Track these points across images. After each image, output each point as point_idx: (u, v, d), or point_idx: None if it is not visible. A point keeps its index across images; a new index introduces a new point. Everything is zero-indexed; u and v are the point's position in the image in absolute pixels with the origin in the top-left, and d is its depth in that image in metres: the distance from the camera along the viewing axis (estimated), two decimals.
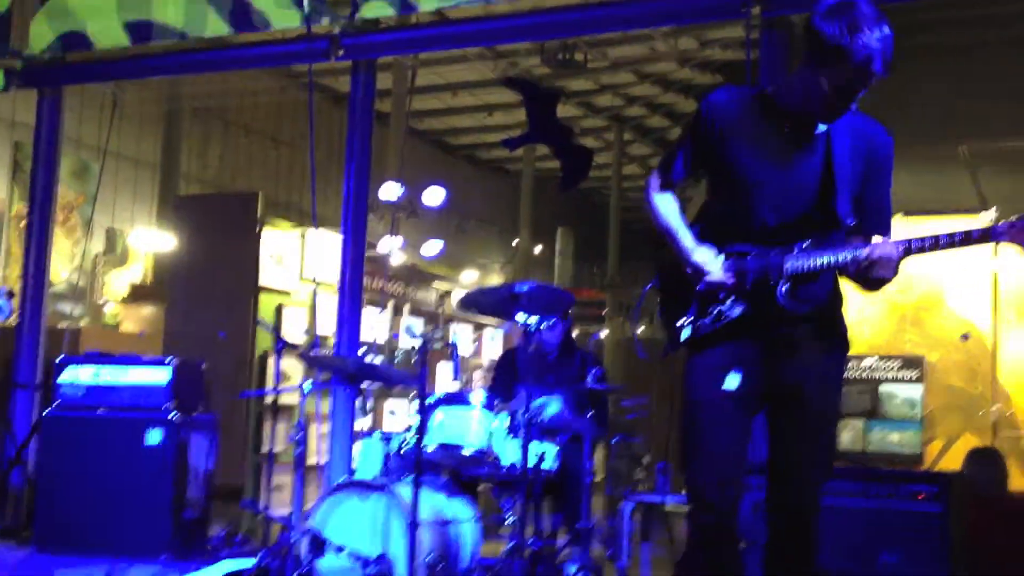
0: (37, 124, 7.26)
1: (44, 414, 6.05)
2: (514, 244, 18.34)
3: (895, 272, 2.93)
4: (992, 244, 2.94)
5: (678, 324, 3.16)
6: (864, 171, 3.04)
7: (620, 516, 5.04)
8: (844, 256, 2.95)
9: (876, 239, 2.95)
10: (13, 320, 6.91)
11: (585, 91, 16.19)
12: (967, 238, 2.84)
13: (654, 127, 18.04)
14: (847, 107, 2.93)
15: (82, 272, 14.39)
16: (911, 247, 2.89)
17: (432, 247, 8.52)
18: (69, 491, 5.60)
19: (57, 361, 6.06)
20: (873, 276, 2.94)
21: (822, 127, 3.01)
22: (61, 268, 13.82)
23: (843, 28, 2.78)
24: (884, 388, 8.02)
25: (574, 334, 5.75)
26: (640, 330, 4.43)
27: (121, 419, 5.62)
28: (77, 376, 5.78)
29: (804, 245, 3.01)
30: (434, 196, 7.11)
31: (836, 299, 3.16)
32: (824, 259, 2.97)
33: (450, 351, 4.89)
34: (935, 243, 2.87)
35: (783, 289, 3.01)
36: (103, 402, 5.71)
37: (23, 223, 8.49)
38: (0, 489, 6.42)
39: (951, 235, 2.85)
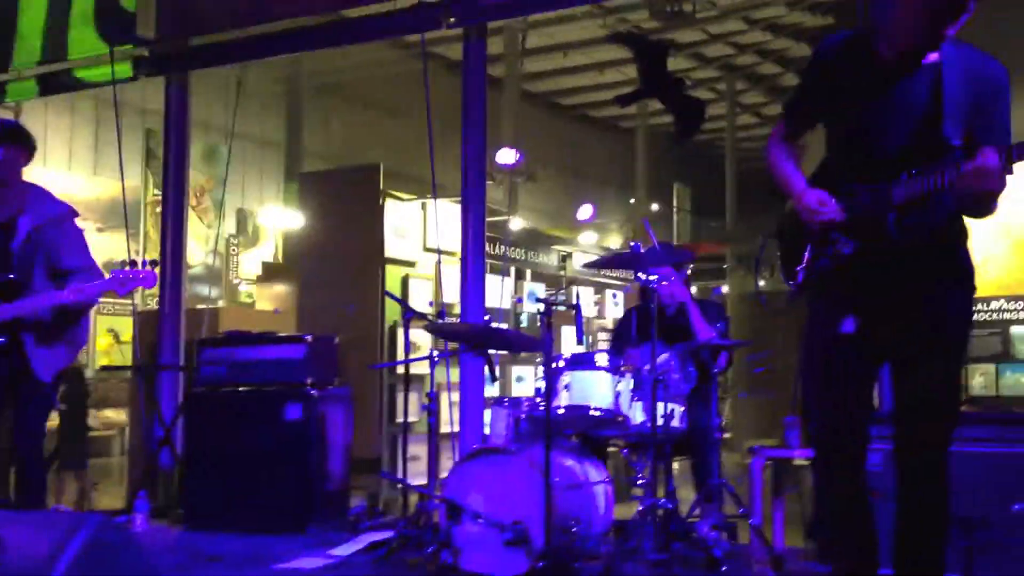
0: (166, 110, 7.30)
1: (188, 393, 6.24)
2: (631, 202, 18.26)
3: (1000, 183, 2.77)
4: None
5: (796, 269, 3.16)
6: (975, 101, 2.93)
7: (750, 472, 5.02)
8: (949, 174, 2.83)
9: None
10: (155, 291, 7.01)
11: (695, 42, 15.97)
12: None
13: (767, 74, 17.69)
14: (941, 33, 2.87)
15: (216, 254, 14.91)
16: (1012, 152, 2.74)
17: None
18: (215, 468, 5.70)
19: (198, 342, 6.27)
20: (978, 189, 2.79)
21: (932, 57, 2.95)
22: (197, 251, 14.36)
23: None
24: (1015, 330, 7.77)
25: (693, 290, 5.71)
26: (763, 283, 4.37)
27: (261, 395, 5.69)
28: (217, 355, 5.88)
29: (913, 172, 2.92)
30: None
31: (953, 231, 3.04)
32: (930, 180, 2.87)
33: (574, 314, 4.89)
34: None
35: (892, 219, 2.93)
36: (243, 379, 5.79)
37: (158, 209, 8.79)
38: (151, 469, 6.55)
39: None
